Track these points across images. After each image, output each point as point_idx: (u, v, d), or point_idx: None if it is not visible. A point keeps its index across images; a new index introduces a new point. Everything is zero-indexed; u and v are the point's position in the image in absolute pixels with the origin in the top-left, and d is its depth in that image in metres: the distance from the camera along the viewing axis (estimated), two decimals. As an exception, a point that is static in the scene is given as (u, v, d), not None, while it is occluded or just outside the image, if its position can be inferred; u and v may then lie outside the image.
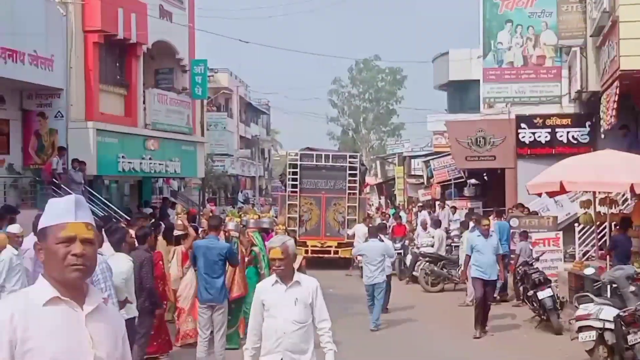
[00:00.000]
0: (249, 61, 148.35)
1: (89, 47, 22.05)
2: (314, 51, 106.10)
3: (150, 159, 24.91)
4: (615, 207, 15.55)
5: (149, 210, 22.70)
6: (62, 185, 19.78)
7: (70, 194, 19.70)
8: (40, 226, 2.84)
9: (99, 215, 18.84)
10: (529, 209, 20.88)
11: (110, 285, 8.14)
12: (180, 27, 27.30)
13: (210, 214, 17.34)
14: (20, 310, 2.66)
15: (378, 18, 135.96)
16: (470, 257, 13.93)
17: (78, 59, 21.68)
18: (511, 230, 18.45)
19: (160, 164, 25.65)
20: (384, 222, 23.96)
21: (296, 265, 6.85)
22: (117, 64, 24.10)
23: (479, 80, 35.96)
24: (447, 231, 23.82)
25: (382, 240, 15.59)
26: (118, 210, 21.23)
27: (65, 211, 2.81)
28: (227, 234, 11.92)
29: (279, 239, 6.17)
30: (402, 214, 31.82)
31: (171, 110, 26.55)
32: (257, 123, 65.62)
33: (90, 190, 21.17)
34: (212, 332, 10.33)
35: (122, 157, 23.27)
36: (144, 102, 24.99)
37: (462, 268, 15.15)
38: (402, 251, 21.93)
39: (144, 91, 25.12)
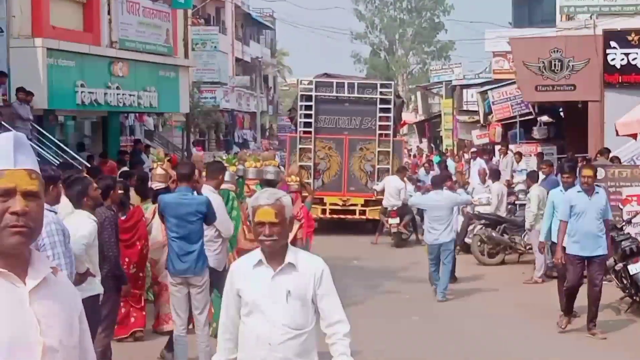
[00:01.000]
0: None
1: None
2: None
3: (117, 88, 24.91)
4: None
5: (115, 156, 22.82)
6: (2, 123, 19.92)
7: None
8: None
9: (53, 163, 19.08)
10: (619, 159, 20.85)
11: (60, 253, 8.10)
12: None
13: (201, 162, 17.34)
14: None
15: None
16: (566, 223, 12.11)
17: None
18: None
19: (131, 95, 25.71)
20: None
21: (290, 237, 5.96)
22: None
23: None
24: (510, 185, 23.67)
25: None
26: (76, 156, 21.31)
27: (0, 155, 2.54)
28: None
29: (270, 193, 4.88)
30: (450, 162, 31.90)
31: (145, 24, 26.53)
32: (258, 41, 65.37)
33: (39, 128, 21.31)
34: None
35: (81, 85, 23.33)
36: (108, 13, 24.94)
37: (557, 240, 12.52)
38: None
39: (108, -3, 25.02)
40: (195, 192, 10.68)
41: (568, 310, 12.16)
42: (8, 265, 2.47)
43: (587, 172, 12.31)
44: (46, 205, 8.28)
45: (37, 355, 2.45)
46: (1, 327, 2.41)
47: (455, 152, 41.88)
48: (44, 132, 21.39)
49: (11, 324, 2.43)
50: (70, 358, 2.60)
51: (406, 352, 11.59)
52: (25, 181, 2.50)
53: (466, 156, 35.87)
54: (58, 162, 18.85)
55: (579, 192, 12.02)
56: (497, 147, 32.39)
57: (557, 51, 26.90)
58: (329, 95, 24.84)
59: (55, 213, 8.40)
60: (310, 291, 4.56)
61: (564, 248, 12.11)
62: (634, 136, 17.70)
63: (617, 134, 17.48)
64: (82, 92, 23.24)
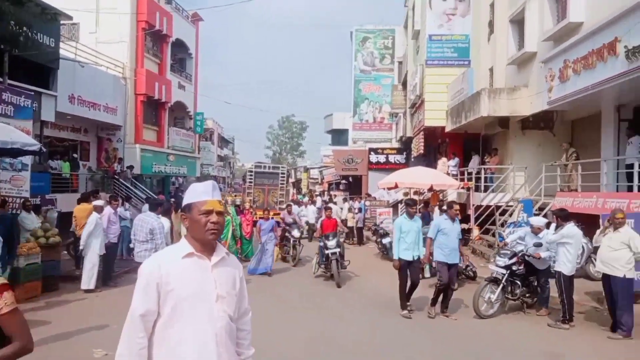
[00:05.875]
0: (230, 113, 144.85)
1: (138, 103, 21.42)
2: (262, 108, 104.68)
3: (170, 165, 24.19)
4: (421, 196, 15.90)
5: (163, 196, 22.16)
6: (120, 179, 19.17)
7: (126, 185, 19.43)
8: (186, 202, 2.19)
9: (141, 197, 18.55)
10: (374, 197, 21.61)
11: (163, 236, 7.42)
12: (190, 94, 26.82)
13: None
14: (165, 261, 2.07)
15: (296, 94, 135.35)
16: (432, 240, 7.57)
17: (131, 109, 21.03)
18: (365, 207, 18.64)
19: (175, 168, 24.94)
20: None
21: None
22: (154, 113, 23.41)
23: (348, 130, 36.87)
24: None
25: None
26: (151, 194, 20.70)
27: (205, 192, 2.17)
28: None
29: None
30: (305, 199, 31.89)
31: (183, 140, 25.96)
32: (227, 147, 64.29)
33: (136, 182, 20.58)
34: None
35: (155, 164, 22.58)
36: (167, 134, 24.32)
37: (425, 252, 7.61)
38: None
39: (168, 128, 24.42)
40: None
41: (434, 301, 7.56)
42: (202, 250, 2.12)
43: (456, 207, 7.93)
44: (155, 215, 8.05)
45: (214, 298, 2.07)
46: (194, 282, 2.05)
47: (309, 194, 42.06)
48: (137, 183, 20.68)
49: (200, 282, 2.07)
50: (233, 302, 2.16)
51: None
52: (218, 206, 2.17)
53: (315, 195, 36.03)
54: (145, 197, 18.34)
55: (446, 219, 7.64)
56: (326, 192, 32.39)
57: (351, 155, 27.85)
58: (260, 170, 24.81)
59: (159, 217, 8.14)
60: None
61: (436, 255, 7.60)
62: (384, 188, 16.92)
63: (378, 188, 17.74)
64: (155, 166, 22.49)
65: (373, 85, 31.86)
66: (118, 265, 10.60)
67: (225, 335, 2.10)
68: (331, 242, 10.22)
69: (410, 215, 7.75)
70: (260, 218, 12.93)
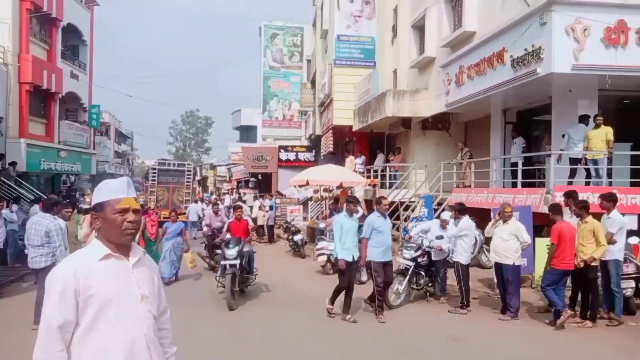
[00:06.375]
0: (129, 106, 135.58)
1: (23, 92, 19.23)
2: (164, 102, 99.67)
3: (61, 162, 22.10)
4: (330, 193, 15.92)
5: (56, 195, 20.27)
6: (1, 178, 17.19)
7: (9, 184, 17.41)
8: (98, 200, 2.04)
9: (27, 197, 16.79)
10: (284, 194, 21.71)
11: (61, 238, 6.69)
12: (84, 84, 24.72)
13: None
14: (81, 265, 1.93)
15: (202, 89, 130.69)
16: (367, 240, 7.08)
17: (14, 99, 18.85)
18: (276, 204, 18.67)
19: (68, 166, 22.86)
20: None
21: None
22: (42, 104, 21.20)
23: (257, 126, 36.61)
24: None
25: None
26: (40, 194, 18.80)
27: (119, 189, 2.04)
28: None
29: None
30: (212, 197, 30.99)
31: (77, 134, 23.88)
32: (126, 143, 60.30)
33: (20, 181, 18.58)
34: None
35: (43, 160, 20.51)
36: (58, 128, 22.22)
37: (362, 253, 7.12)
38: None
39: (59, 121, 22.29)
40: None
41: (381, 307, 7.11)
42: (118, 250, 2.00)
43: (385, 202, 7.29)
44: (51, 216, 7.27)
45: (138, 299, 1.99)
46: (116, 284, 1.95)
47: (216, 192, 41.08)
48: (22, 182, 18.67)
49: (123, 283, 1.97)
50: (155, 301, 2.10)
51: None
52: (134, 203, 2.04)
53: (222, 193, 35.25)
54: (33, 197, 16.62)
55: (378, 216, 7.15)
56: (234, 190, 31.87)
57: (260, 152, 27.68)
58: (164, 167, 23.72)
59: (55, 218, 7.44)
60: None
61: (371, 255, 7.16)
62: (295, 186, 16.83)
63: (290, 185, 17.76)
64: (44, 163, 20.49)
65: (282, 82, 31.93)
66: (3, 273, 9.56)
67: (153, 335, 2.05)
68: (230, 251, 7.95)
69: (351, 213, 7.22)
70: (165, 219, 12.24)
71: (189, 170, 24.35)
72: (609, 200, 6.85)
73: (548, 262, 6.85)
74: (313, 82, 27.17)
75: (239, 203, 15.79)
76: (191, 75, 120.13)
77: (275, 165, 26.89)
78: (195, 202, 22.93)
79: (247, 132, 43.49)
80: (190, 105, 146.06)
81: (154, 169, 23.83)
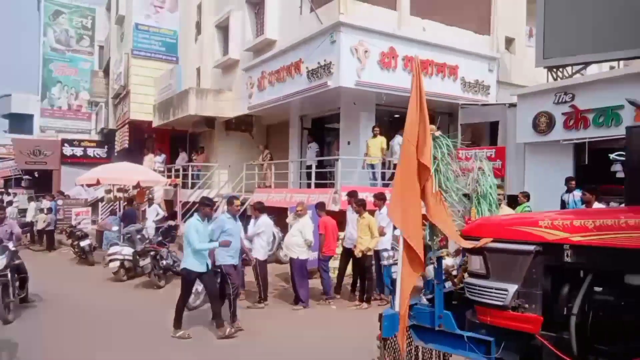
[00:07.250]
0: None
1: None
2: None
3: None
4: (126, 193, 14.96)
5: None
6: None
7: None
8: None
9: None
10: (68, 195, 19.35)
11: None
12: None
13: None
14: None
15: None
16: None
17: None
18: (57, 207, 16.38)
19: None
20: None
21: None
22: None
23: (33, 115, 31.79)
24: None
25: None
26: None
27: None
28: None
29: None
30: None
31: None
32: None
33: None
34: None
35: None
36: None
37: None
38: None
39: None
40: None
41: (234, 314, 6.63)
42: None
43: (237, 202, 6.86)
44: None
45: None
46: None
47: None
48: None
49: None
50: None
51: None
52: None
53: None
54: None
55: (229, 217, 6.71)
56: (2, 190, 27.02)
57: (38, 146, 23.95)
58: None
59: None
60: None
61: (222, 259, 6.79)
62: (82, 185, 14.89)
63: (75, 185, 15.68)
64: None
65: (68, 68, 28.23)
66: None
67: None
68: None
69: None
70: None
71: None
72: (380, 198, 8.14)
73: (320, 250, 8.05)
74: (106, 71, 24.92)
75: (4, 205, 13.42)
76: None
77: (58, 162, 23.77)
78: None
79: (20, 122, 37.01)
80: None
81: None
